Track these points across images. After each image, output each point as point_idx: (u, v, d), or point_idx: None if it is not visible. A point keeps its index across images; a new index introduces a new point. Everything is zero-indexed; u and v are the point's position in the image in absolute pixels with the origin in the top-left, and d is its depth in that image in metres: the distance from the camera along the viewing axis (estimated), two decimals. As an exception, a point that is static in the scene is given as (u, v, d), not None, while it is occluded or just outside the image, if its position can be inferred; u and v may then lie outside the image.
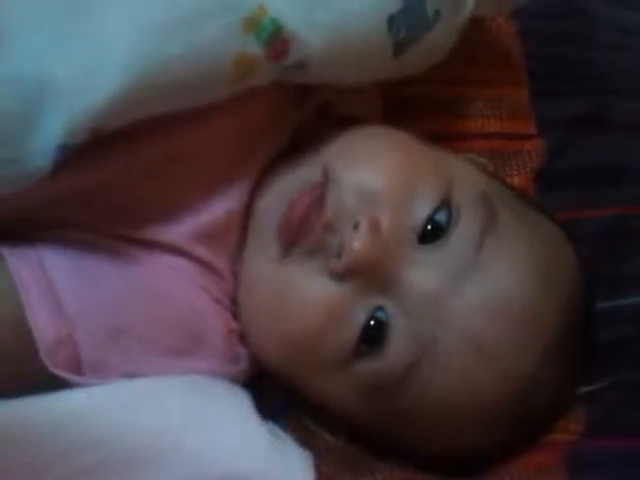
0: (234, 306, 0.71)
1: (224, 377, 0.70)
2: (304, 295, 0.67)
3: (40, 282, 0.65)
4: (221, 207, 0.69)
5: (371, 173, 0.68)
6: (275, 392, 0.74)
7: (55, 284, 0.65)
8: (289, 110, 0.72)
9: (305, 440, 0.72)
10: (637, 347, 0.80)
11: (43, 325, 0.64)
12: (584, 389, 0.76)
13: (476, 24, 0.85)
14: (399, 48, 0.68)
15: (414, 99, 0.84)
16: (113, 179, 0.66)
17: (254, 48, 0.63)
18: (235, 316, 0.71)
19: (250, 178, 0.70)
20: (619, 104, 0.87)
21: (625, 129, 0.86)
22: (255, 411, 0.69)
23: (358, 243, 0.65)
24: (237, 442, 0.66)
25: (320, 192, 0.67)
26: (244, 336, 0.71)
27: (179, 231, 0.68)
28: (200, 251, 0.69)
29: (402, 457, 0.72)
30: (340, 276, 0.66)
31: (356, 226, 0.65)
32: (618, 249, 0.83)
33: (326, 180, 0.68)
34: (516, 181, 0.84)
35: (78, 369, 0.65)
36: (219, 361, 0.70)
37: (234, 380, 0.71)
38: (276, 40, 0.63)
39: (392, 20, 0.66)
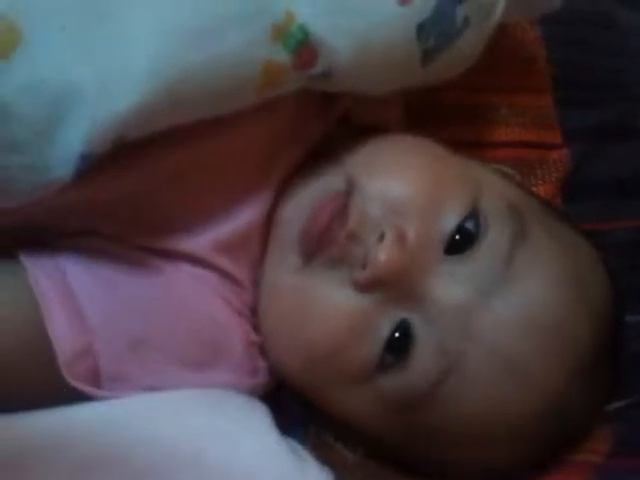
0: (254, 318, 0.70)
1: (243, 390, 0.69)
2: (327, 306, 0.65)
3: (61, 292, 0.64)
4: (243, 217, 0.68)
5: (397, 182, 0.67)
6: (294, 405, 0.73)
7: (76, 294, 0.64)
8: (312, 119, 0.71)
9: (323, 454, 0.71)
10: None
11: (63, 336, 0.63)
12: (611, 406, 0.75)
13: (501, 30, 0.84)
14: (427, 56, 0.66)
15: (438, 106, 0.83)
16: (136, 189, 0.65)
17: (281, 56, 0.62)
18: (255, 328, 0.70)
19: (272, 188, 0.69)
20: (644, 112, 0.86)
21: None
22: (274, 426, 0.68)
23: (383, 254, 0.63)
24: (255, 457, 0.65)
25: (343, 201, 0.66)
26: (264, 349, 0.70)
27: (201, 241, 0.67)
28: (222, 261, 0.68)
29: (422, 472, 0.71)
30: (364, 288, 0.65)
31: (382, 237, 0.64)
32: (641, 262, 0.82)
33: (350, 189, 0.67)
34: (541, 190, 0.83)
35: (97, 382, 0.64)
36: (238, 373, 0.69)
37: (252, 393, 0.70)
38: (303, 48, 0.62)
39: (421, 28, 0.65)
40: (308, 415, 0.73)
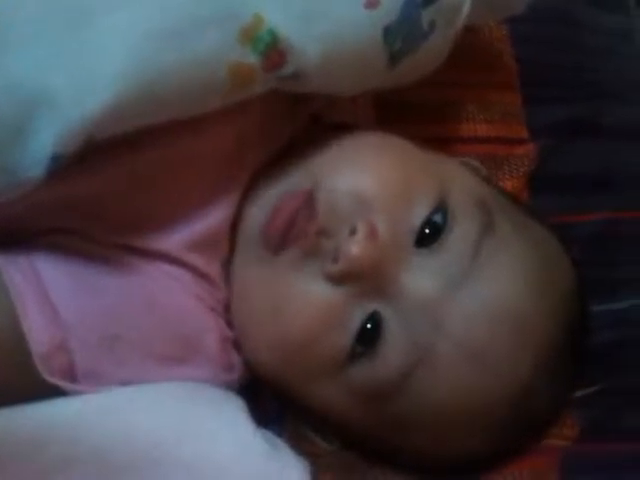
0: (228, 314, 0.71)
1: (218, 384, 0.70)
2: (299, 299, 0.66)
3: (35, 290, 0.65)
4: (215, 215, 0.69)
5: (364, 177, 0.68)
6: (270, 398, 0.74)
7: (49, 291, 0.65)
8: (281, 119, 0.72)
9: (300, 446, 0.72)
10: (627, 351, 0.81)
11: (37, 331, 0.64)
12: (577, 394, 0.77)
13: (467, 27, 0.85)
14: (394, 58, 0.68)
15: (405, 103, 0.83)
16: (108, 188, 0.66)
17: (250, 59, 0.63)
18: (229, 324, 0.71)
19: (241, 187, 0.70)
20: (610, 109, 0.88)
21: (616, 134, 0.87)
22: (250, 418, 0.69)
23: (356, 248, 0.64)
24: (232, 450, 0.66)
25: (306, 198, 0.67)
26: (238, 344, 0.71)
27: (174, 240, 0.68)
28: (194, 260, 0.69)
29: (396, 463, 0.72)
30: (337, 280, 0.66)
31: (353, 230, 0.65)
32: (609, 254, 0.84)
33: (315, 187, 0.68)
34: (509, 185, 0.84)
35: (73, 377, 0.65)
36: (213, 369, 0.70)
37: (228, 387, 0.71)
38: (272, 51, 0.63)
39: (388, 31, 0.66)
40: (284, 408, 0.74)
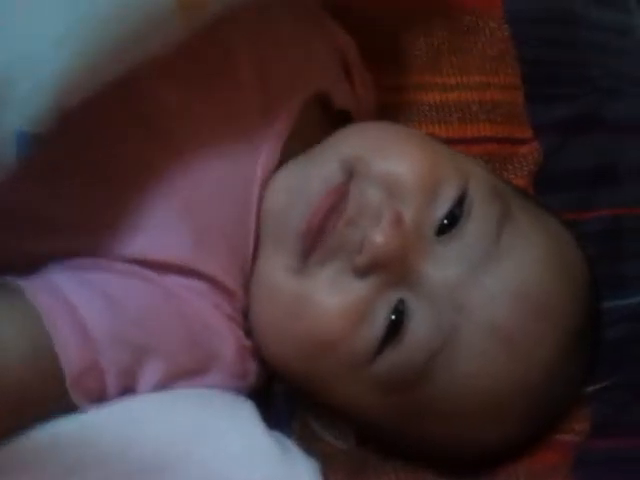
0: (245, 322, 0.71)
1: (229, 390, 0.70)
2: (325, 299, 0.66)
3: (63, 308, 0.64)
4: (217, 209, 0.68)
5: (400, 166, 0.68)
6: (281, 398, 0.74)
7: (78, 311, 0.64)
8: (282, 105, 0.71)
9: (310, 446, 0.72)
10: (635, 347, 0.81)
11: (71, 353, 0.63)
12: (588, 389, 0.77)
13: (470, 30, 0.86)
14: None
15: (409, 105, 0.84)
16: (92, 198, 0.66)
17: None
18: (247, 332, 0.71)
19: (249, 172, 0.69)
20: (610, 104, 0.88)
21: (617, 129, 0.87)
22: (260, 420, 0.69)
23: (381, 236, 0.65)
24: (243, 452, 0.66)
25: (343, 190, 0.67)
26: (255, 352, 0.71)
27: (179, 243, 0.67)
28: (206, 264, 0.68)
29: (415, 454, 0.72)
30: (363, 271, 0.66)
31: (379, 219, 0.65)
32: (615, 250, 0.84)
33: (350, 175, 0.67)
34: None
35: (102, 397, 0.64)
36: (227, 376, 0.70)
37: (239, 392, 0.71)
38: None
39: None
40: (295, 408, 0.74)
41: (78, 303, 0.64)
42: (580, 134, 0.86)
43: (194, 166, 0.67)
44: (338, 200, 0.67)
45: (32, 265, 0.66)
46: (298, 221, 0.67)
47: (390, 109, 0.82)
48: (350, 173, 0.68)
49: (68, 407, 0.64)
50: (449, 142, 0.83)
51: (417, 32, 0.85)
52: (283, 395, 0.74)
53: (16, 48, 0.58)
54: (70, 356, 0.63)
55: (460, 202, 0.67)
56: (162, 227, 0.67)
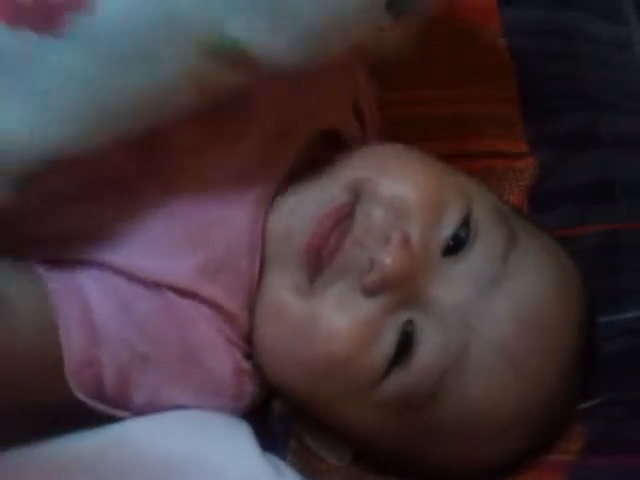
0: (246, 345, 0.71)
1: (225, 411, 0.70)
2: (334, 320, 0.66)
3: (76, 301, 0.65)
4: (220, 239, 0.68)
5: (406, 187, 0.68)
6: (278, 416, 0.74)
7: (90, 304, 0.66)
8: (288, 146, 0.71)
9: (306, 464, 0.72)
10: (631, 362, 0.81)
11: (75, 341, 0.65)
12: (583, 405, 0.77)
13: (470, 42, 0.86)
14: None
15: (406, 120, 0.85)
16: (106, 219, 0.67)
17: (213, 67, 0.60)
18: (247, 355, 0.71)
19: (257, 204, 0.69)
20: (608, 120, 0.88)
21: (614, 144, 0.87)
22: (255, 443, 0.69)
23: (390, 257, 0.65)
24: (238, 477, 0.66)
25: (349, 210, 0.67)
26: (253, 375, 0.71)
27: (182, 269, 0.67)
28: (209, 291, 0.68)
29: (409, 474, 0.72)
30: (372, 291, 0.66)
31: (387, 240, 0.66)
32: (611, 265, 0.84)
33: (356, 197, 0.68)
34: (509, 200, 0.84)
35: (100, 392, 0.66)
36: (223, 397, 0.70)
37: (235, 412, 0.71)
38: (237, 58, 0.59)
39: None
40: (289, 426, 0.74)
41: (94, 304, 0.66)
42: (578, 149, 0.86)
43: (201, 193, 0.68)
44: (342, 218, 0.67)
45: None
46: (301, 239, 0.67)
47: (389, 125, 0.82)
48: (356, 195, 0.68)
49: (66, 399, 0.65)
50: (447, 157, 0.82)
51: (414, 45, 0.85)
52: (280, 413, 0.74)
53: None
54: (74, 344, 0.64)
55: (466, 223, 0.68)
56: (165, 251, 0.67)
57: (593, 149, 0.86)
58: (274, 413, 0.74)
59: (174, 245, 0.67)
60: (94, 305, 0.66)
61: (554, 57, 0.89)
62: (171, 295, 0.67)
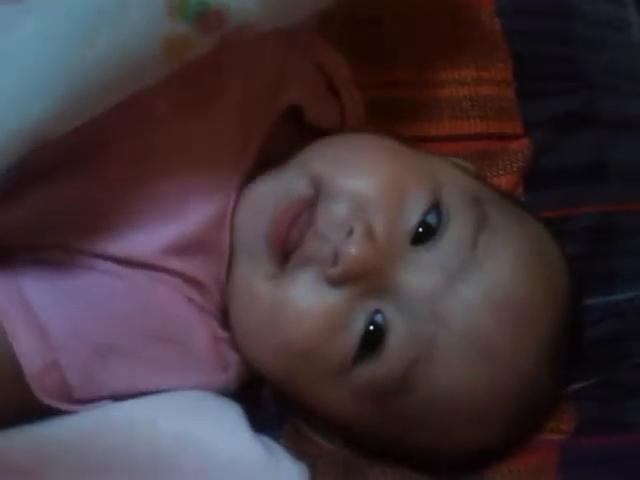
0: (220, 314, 0.71)
1: (215, 387, 0.70)
2: (302, 305, 0.67)
3: (20, 308, 0.65)
4: (193, 219, 0.69)
5: (361, 179, 0.68)
6: (269, 401, 0.75)
7: (35, 309, 0.65)
8: (258, 119, 0.72)
9: (299, 447, 0.72)
10: (624, 344, 0.81)
11: (28, 353, 0.64)
12: (574, 386, 0.77)
13: (462, 23, 0.85)
14: None
15: (399, 101, 0.84)
16: (76, 195, 0.67)
17: (183, 29, 0.59)
18: (222, 324, 0.71)
19: (226, 189, 0.70)
20: (604, 101, 0.87)
21: (610, 126, 0.87)
22: (247, 424, 0.69)
23: (354, 248, 0.65)
24: (230, 459, 0.67)
25: (309, 203, 0.67)
26: (233, 343, 0.71)
27: (149, 245, 0.68)
28: (177, 265, 0.68)
29: (398, 459, 0.73)
30: (337, 282, 0.66)
31: (350, 232, 0.66)
32: (604, 246, 0.84)
33: (317, 191, 0.68)
34: (503, 181, 0.84)
35: (68, 394, 0.66)
36: (208, 371, 0.70)
37: (225, 388, 0.71)
38: (206, 16, 0.59)
39: None
40: (284, 410, 0.74)
41: (36, 303, 0.65)
42: (572, 131, 0.86)
43: (175, 178, 0.68)
44: (301, 211, 0.67)
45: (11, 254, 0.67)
46: (264, 233, 0.68)
47: (381, 106, 0.82)
48: (318, 187, 0.68)
49: (38, 407, 0.65)
50: (438, 139, 0.84)
51: (408, 27, 0.84)
52: (272, 397, 0.74)
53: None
54: (28, 355, 0.64)
55: (436, 210, 0.67)
56: (134, 227, 0.67)
57: (588, 130, 0.86)
58: (266, 396, 0.74)
59: (145, 225, 0.67)
60: (40, 308, 0.65)
61: (550, 37, 0.88)
62: (134, 273, 0.67)
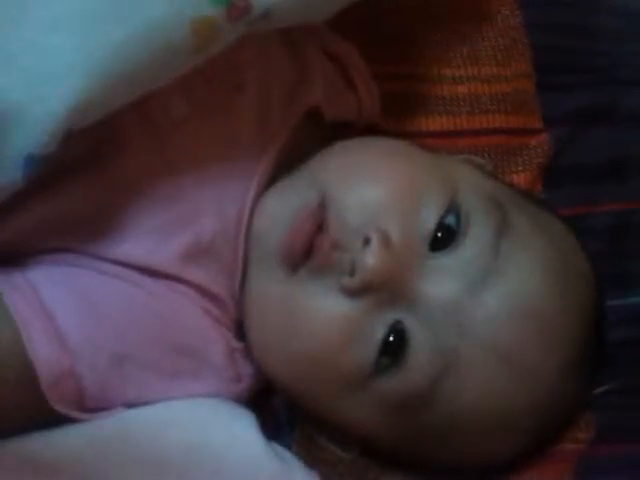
0: (235, 325, 0.70)
1: (227, 396, 0.69)
2: (317, 314, 0.65)
3: (38, 314, 0.63)
4: (209, 225, 0.67)
5: (370, 187, 0.67)
6: (281, 408, 0.73)
7: (54, 316, 0.63)
8: (276, 123, 0.70)
9: (312, 454, 0.71)
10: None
11: (44, 359, 0.62)
12: (593, 392, 0.76)
13: (482, 19, 0.84)
14: None
15: (417, 96, 0.82)
16: (91, 198, 0.65)
17: (212, 11, 0.59)
18: (237, 335, 0.70)
19: (243, 194, 0.68)
20: (625, 95, 0.85)
21: (631, 120, 0.85)
22: (260, 432, 0.68)
23: (372, 259, 0.63)
24: (243, 469, 0.66)
25: (320, 216, 0.66)
26: (247, 354, 0.70)
27: (167, 252, 0.66)
28: (194, 275, 0.67)
29: (414, 468, 0.71)
30: (354, 293, 0.64)
31: (367, 241, 0.64)
32: (625, 246, 0.83)
33: (324, 203, 0.66)
34: (522, 177, 0.83)
35: (81, 401, 0.64)
36: (221, 381, 0.69)
37: (238, 398, 0.70)
38: (235, 3, 0.59)
39: None
40: (296, 417, 0.73)
41: (54, 308, 0.64)
42: (592, 125, 0.84)
43: (191, 181, 0.67)
44: (316, 220, 0.65)
45: (16, 253, 0.66)
46: (280, 243, 0.66)
47: (399, 101, 0.80)
48: (325, 200, 0.66)
49: (49, 414, 0.64)
50: (457, 134, 0.82)
51: (427, 22, 0.83)
52: (283, 403, 0.73)
53: (28, 73, 0.57)
54: (44, 362, 0.62)
55: (455, 213, 0.66)
56: (151, 235, 0.66)
57: (609, 125, 0.84)
58: (278, 403, 0.73)
59: (161, 232, 0.66)
60: (59, 317, 0.63)
61: (570, 30, 0.86)
62: (151, 282, 0.66)
